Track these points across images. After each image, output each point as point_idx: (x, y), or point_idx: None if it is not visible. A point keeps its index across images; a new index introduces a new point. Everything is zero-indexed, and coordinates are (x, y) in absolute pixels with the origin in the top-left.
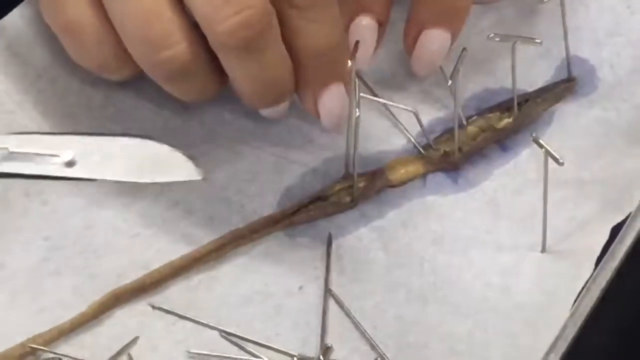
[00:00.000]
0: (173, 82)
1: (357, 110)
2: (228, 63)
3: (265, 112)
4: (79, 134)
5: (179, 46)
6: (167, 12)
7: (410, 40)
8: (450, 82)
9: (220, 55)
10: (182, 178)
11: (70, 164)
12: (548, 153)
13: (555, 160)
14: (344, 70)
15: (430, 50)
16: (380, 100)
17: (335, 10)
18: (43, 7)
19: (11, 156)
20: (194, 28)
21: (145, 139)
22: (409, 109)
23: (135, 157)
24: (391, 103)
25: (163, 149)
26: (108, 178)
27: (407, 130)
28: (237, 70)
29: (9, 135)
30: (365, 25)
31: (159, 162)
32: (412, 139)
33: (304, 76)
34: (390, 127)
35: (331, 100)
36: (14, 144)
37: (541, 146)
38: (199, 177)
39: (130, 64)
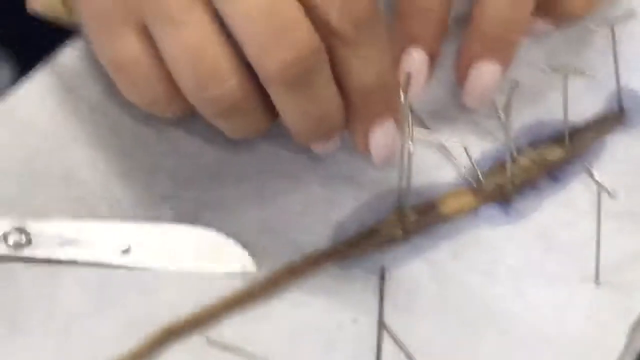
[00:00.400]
0: (223, 118)
1: (410, 144)
2: (278, 99)
3: (315, 147)
4: (134, 223)
5: (228, 83)
6: (217, 47)
7: (462, 73)
8: (502, 116)
9: (270, 91)
10: (238, 269)
11: (126, 251)
12: (600, 185)
13: (607, 192)
14: (394, 106)
15: (481, 83)
16: (432, 136)
17: (385, 45)
18: (93, 43)
19: (66, 241)
20: (244, 64)
21: (201, 229)
22: (459, 143)
23: (191, 245)
24: (443, 139)
25: (219, 239)
26: (163, 267)
27: (458, 164)
28: (287, 106)
29: (65, 221)
30: (416, 58)
31: (215, 251)
32: (464, 173)
33: (354, 112)
34: (441, 159)
35: (382, 137)
36: (69, 229)
37: (592, 176)
38: (253, 270)
39: (181, 101)
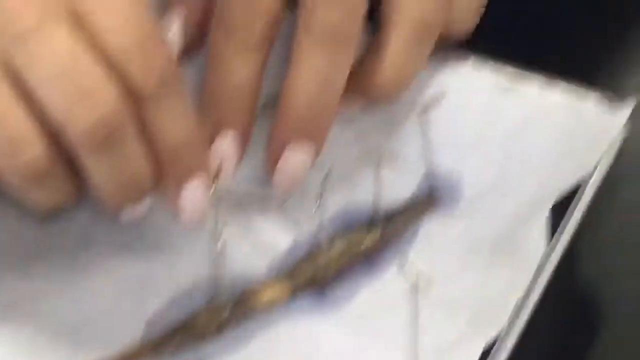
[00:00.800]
0: (32, 187)
1: (222, 237)
2: (86, 162)
3: (124, 213)
4: None
5: (36, 148)
6: (20, 113)
7: (272, 159)
8: (315, 208)
9: (78, 155)
10: None
11: None
12: (421, 276)
13: (425, 281)
14: (203, 165)
15: (292, 168)
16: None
17: (188, 101)
18: None
19: None
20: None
21: None
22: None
23: None
24: (254, 228)
25: None
26: None
27: (271, 253)
28: (95, 169)
29: None
30: (227, 142)
31: None
32: (277, 262)
33: (164, 171)
34: (254, 247)
35: (192, 194)
36: None
37: (409, 273)
38: None
39: None
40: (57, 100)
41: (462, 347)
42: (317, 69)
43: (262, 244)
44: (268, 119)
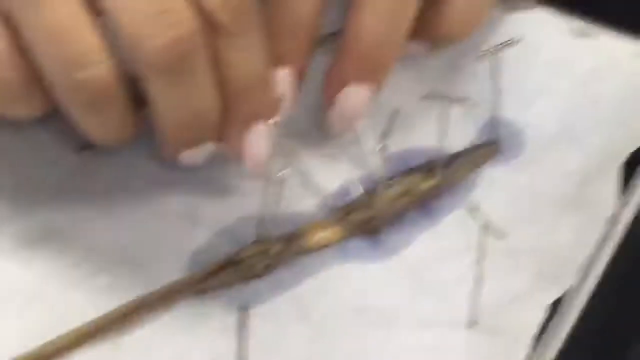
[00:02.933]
0: (89, 110)
1: (282, 172)
2: (152, 87)
3: (185, 156)
4: None
5: (98, 67)
6: (85, 27)
7: (330, 95)
8: (380, 147)
9: (145, 78)
10: None
11: None
12: (486, 226)
13: (495, 233)
14: (271, 109)
15: (351, 106)
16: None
17: (262, 41)
18: None
19: None
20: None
21: None
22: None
23: None
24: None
25: None
26: None
27: (323, 192)
28: (161, 96)
29: None
30: (283, 78)
31: None
32: (330, 202)
33: (230, 111)
34: (305, 186)
35: (257, 140)
36: None
37: (478, 218)
38: None
39: (41, 94)
40: (130, 15)
41: (526, 303)
42: (384, 9)
43: (315, 182)
44: (325, 55)
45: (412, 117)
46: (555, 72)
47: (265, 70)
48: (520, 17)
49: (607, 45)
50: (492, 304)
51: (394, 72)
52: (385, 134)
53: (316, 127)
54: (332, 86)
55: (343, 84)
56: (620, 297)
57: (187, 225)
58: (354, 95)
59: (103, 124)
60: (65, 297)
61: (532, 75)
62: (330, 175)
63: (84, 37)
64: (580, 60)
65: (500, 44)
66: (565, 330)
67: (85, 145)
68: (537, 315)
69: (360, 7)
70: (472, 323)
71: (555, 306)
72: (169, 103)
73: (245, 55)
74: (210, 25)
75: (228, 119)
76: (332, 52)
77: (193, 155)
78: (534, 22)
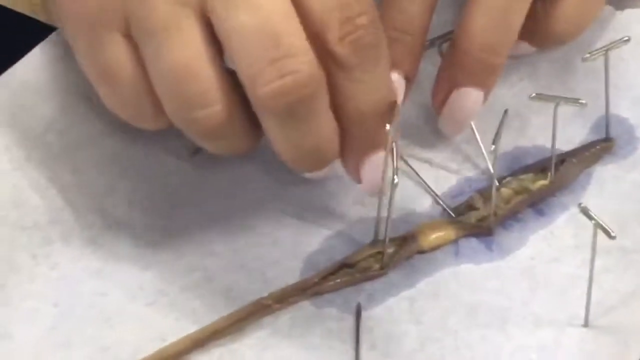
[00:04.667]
0: (206, 140)
1: (395, 177)
2: (268, 127)
3: (307, 175)
4: None
5: (214, 107)
6: (205, 68)
7: (441, 99)
8: (493, 147)
9: (260, 118)
10: None
11: None
12: (599, 226)
13: (607, 233)
14: (385, 136)
15: (461, 110)
16: (414, 168)
17: (386, 72)
18: (75, 48)
19: None
20: (234, 84)
21: None
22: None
23: None
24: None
25: None
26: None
27: (435, 193)
28: (277, 136)
29: None
30: (395, 81)
31: None
32: (443, 203)
33: (347, 140)
34: (417, 188)
35: (374, 168)
36: None
37: (590, 218)
38: None
39: (166, 116)
40: (248, 56)
41: (636, 302)
42: (496, 11)
43: (428, 182)
44: (432, 59)
45: (523, 116)
46: None
47: (386, 99)
48: (632, 13)
49: None
50: (605, 303)
51: (506, 71)
52: (498, 134)
53: (429, 127)
54: (442, 89)
55: (453, 86)
56: None
57: (303, 229)
58: (465, 98)
59: (220, 148)
60: (182, 302)
61: None
62: (444, 176)
63: (204, 77)
64: None
65: (612, 42)
66: None
67: (197, 149)
68: None
69: (472, 9)
70: (586, 322)
71: None
72: (284, 142)
73: (364, 87)
74: (330, 59)
75: (346, 146)
76: (442, 55)
77: (315, 176)
78: None
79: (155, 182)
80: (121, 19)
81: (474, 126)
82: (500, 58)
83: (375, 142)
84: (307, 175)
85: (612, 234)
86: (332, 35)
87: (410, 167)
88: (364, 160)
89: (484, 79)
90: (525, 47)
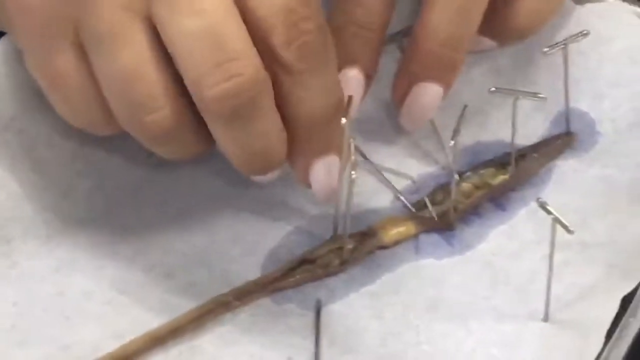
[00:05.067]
0: (156, 144)
1: (353, 172)
2: (215, 130)
3: (254, 179)
4: None
5: (162, 111)
6: (152, 73)
7: (400, 94)
8: (452, 143)
9: (207, 121)
10: None
11: None
12: (557, 221)
13: (565, 228)
14: (337, 141)
15: (421, 105)
16: (370, 161)
17: (333, 76)
18: (25, 54)
19: None
20: (182, 89)
21: None
22: (409, 175)
23: None
24: (387, 169)
25: None
26: None
27: (396, 189)
28: (224, 139)
29: None
30: (352, 77)
31: None
32: (403, 198)
33: (295, 145)
34: (377, 182)
35: (324, 172)
36: None
37: (549, 212)
38: None
39: (116, 122)
40: (193, 60)
41: (598, 297)
42: (455, 6)
43: (388, 178)
44: (392, 54)
45: (484, 111)
46: (629, 62)
47: (333, 105)
48: (592, 7)
49: None
50: (565, 297)
51: (467, 65)
52: (456, 130)
53: (390, 122)
54: (402, 84)
55: (413, 82)
56: None
57: (263, 225)
58: (424, 94)
59: (170, 152)
60: (141, 299)
61: (606, 66)
62: (404, 171)
63: (151, 82)
64: None
65: (571, 36)
66: (638, 324)
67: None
68: (611, 310)
69: (431, 3)
70: (546, 317)
71: (628, 300)
72: (231, 144)
73: (311, 91)
74: (276, 64)
75: (293, 150)
76: (402, 50)
77: (263, 179)
78: (606, 12)
79: (114, 181)
80: (69, 28)
81: (434, 121)
82: (460, 53)
83: (322, 147)
84: (255, 178)
85: (571, 229)
86: (278, 40)
87: (370, 161)
88: (312, 164)
89: (444, 74)
90: (486, 42)
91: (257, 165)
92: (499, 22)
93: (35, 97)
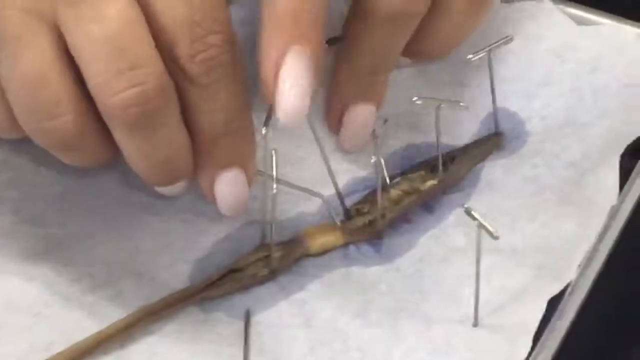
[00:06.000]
0: (58, 150)
1: (274, 186)
2: (118, 137)
3: (160, 190)
4: None
5: (64, 117)
6: (56, 78)
7: (335, 119)
8: (373, 159)
9: (111, 129)
10: None
11: None
12: (482, 227)
13: (490, 234)
14: (244, 154)
15: (358, 126)
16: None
17: (239, 88)
18: None
19: None
20: (87, 96)
21: None
22: (319, 194)
23: None
24: (300, 187)
25: None
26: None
27: (323, 196)
28: (127, 147)
29: None
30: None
31: None
32: (331, 209)
33: (200, 157)
34: (304, 191)
35: (228, 186)
36: None
37: (474, 218)
38: None
39: (21, 127)
40: (97, 67)
41: (526, 299)
42: (378, 44)
43: (314, 186)
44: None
45: (413, 113)
46: (558, 61)
47: (239, 118)
48: (521, 6)
49: (610, 31)
50: (495, 302)
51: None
52: (377, 145)
53: (317, 126)
54: (334, 110)
55: (345, 106)
56: (621, 291)
57: (191, 233)
58: (359, 115)
59: (74, 159)
60: (68, 310)
61: (535, 66)
62: (331, 177)
63: (54, 87)
64: (583, 48)
65: (495, 42)
66: (565, 326)
67: None
68: (538, 312)
69: (355, 44)
70: (476, 322)
71: (556, 302)
72: (134, 153)
73: (215, 105)
74: (181, 75)
75: (199, 163)
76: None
77: (169, 191)
78: (535, 12)
79: (42, 192)
80: None
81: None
82: (385, 73)
83: (225, 160)
84: (161, 190)
85: (496, 235)
86: (183, 52)
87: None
88: (216, 177)
89: (373, 94)
90: (405, 61)
91: (161, 175)
92: (415, 47)
93: None
